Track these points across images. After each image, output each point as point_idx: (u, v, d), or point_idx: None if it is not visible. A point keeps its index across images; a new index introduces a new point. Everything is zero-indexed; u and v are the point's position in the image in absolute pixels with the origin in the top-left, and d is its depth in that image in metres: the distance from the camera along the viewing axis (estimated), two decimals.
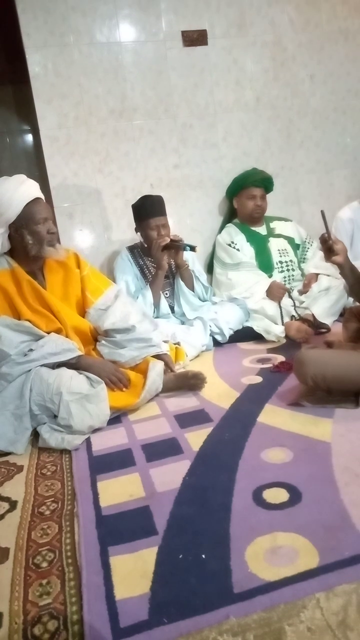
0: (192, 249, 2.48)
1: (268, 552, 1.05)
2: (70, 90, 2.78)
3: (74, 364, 1.88)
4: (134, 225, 2.67)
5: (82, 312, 2.13)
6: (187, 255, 2.63)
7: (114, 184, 2.90)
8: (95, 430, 1.79)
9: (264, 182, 2.99)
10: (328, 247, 1.82)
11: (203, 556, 1.07)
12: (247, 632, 0.86)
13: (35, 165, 3.84)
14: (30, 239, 1.92)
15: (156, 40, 2.89)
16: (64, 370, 1.82)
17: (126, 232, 2.85)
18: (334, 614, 0.86)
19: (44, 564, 1.12)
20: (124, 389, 1.89)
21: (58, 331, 1.96)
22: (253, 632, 0.86)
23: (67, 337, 1.97)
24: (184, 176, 3.04)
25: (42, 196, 1.99)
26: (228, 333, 2.59)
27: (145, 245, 2.64)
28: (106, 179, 2.88)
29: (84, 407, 1.74)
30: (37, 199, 1.94)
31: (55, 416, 1.73)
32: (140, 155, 2.93)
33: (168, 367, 2.05)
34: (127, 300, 2.22)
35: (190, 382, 1.98)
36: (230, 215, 3.13)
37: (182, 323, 2.63)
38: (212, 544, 1.10)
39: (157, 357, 2.05)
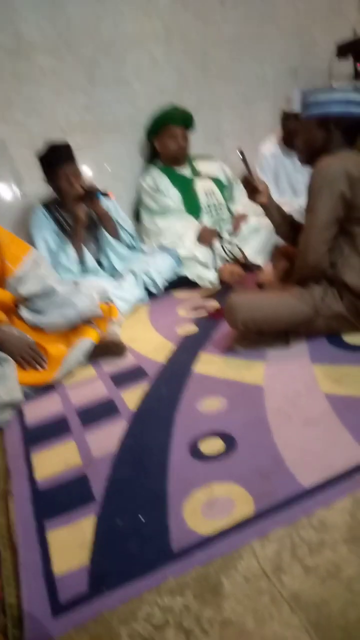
0: (105, 194, 2.35)
1: (205, 506, 1.05)
2: None
3: None
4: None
5: (2, 282, 1.98)
6: (107, 203, 2.50)
7: (21, 133, 2.65)
8: (27, 399, 1.72)
9: (185, 120, 2.85)
10: (250, 188, 1.77)
11: (142, 518, 1.06)
12: (185, 590, 0.86)
13: None
14: None
15: None
16: None
17: (41, 184, 2.64)
18: (269, 560, 0.87)
19: None
20: (40, 369, 1.77)
21: None
22: (191, 590, 0.86)
23: None
24: (97, 118, 2.83)
25: None
26: (162, 283, 2.53)
27: (59, 198, 2.47)
28: (11, 127, 2.62)
29: None
30: None
31: None
32: (46, 99, 2.68)
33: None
34: (47, 265, 2.09)
35: (111, 350, 1.91)
36: (152, 157, 2.98)
37: (113, 277, 2.54)
38: (151, 505, 1.09)
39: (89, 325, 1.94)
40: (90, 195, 2.37)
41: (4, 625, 0.89)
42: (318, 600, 0.79)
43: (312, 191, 1.55)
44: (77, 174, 2.39)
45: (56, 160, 2.36)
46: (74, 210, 2.37)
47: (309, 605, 0.79)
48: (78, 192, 2.34)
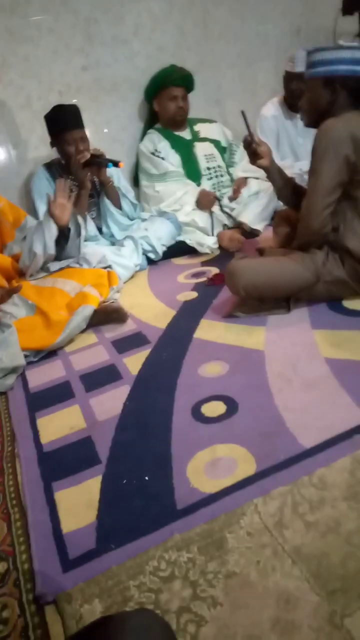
0: (116, 164, 2.30)
1: (208, 466, 1.08)
2: None
3: None
4: (47, 139, 2.42)
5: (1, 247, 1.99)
6: (111, 170, 2.45)
7: (17, 95, 2.58)
8: (30, 365, 1.73)
9: (185, 81, 2.76)
10: (252, 151, 1.74)
11: (146, 478, 1.09)
12: (190, 545, 0.89)
13: None
14: None
15: None
16: None
17: (39, 147, 2.59)
18: (271, 516, 0.90)
19: None
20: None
21: None
22: (196, 545, 0.89)
23: None
24: (95, 79, 2.75)
25: None
26: (161, 250, 2.51)
27: (64, 162, 2.42)
28: (7, 89, 2.55)
29: None
30: None
31: None
32: (43, 59, 2.60)
33: None
34: None
35: (112, 317, 1.91)
36: (152, 120, 2.90)
37: (112, 244, 2.52)
38: (155, 465, 1.12)
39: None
40: (96, 163, 2.32)
41: (16, 579, 0.93)
42: (318, 553, 0.82)
43: (316, 154, 1.52)
44: (85, 139, 2.34)
45: (63, 124, 2.30)
46: (79, 176, 2.32)
47: (309, 557, 0.82)
48: (84, 159, 2.29)
